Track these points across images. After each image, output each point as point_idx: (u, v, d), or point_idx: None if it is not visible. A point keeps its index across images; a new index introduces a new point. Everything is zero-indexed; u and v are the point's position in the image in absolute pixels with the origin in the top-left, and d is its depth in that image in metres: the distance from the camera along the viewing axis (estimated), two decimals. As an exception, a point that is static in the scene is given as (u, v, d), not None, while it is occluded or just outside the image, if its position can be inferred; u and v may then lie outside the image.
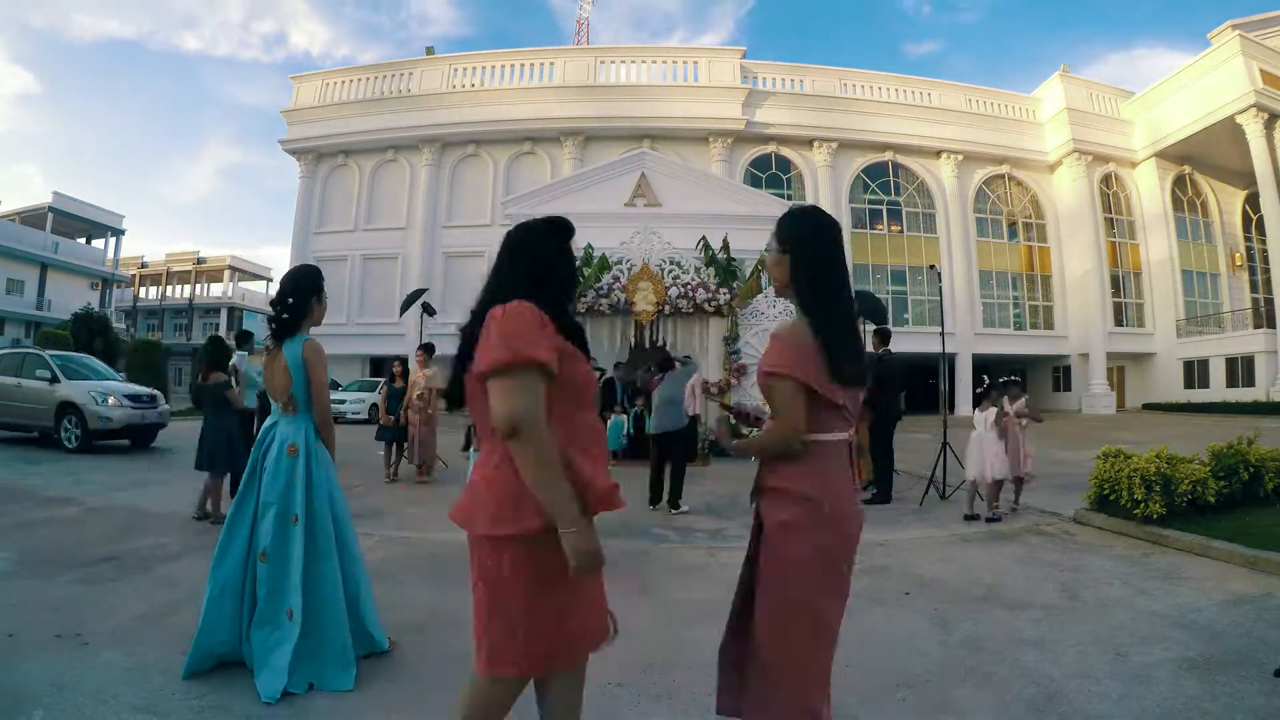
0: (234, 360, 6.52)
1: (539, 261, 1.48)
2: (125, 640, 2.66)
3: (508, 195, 17.08)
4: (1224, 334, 24.86)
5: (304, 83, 27.28)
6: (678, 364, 6.75)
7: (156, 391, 10.84)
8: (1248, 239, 27.78)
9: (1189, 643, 2.72)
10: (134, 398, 9.93)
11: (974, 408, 6.10)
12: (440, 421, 8.12)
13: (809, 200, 25.55)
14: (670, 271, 10.73)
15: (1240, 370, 23.16)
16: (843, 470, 1.57)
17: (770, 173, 25.96)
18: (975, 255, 26.22)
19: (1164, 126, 25.78)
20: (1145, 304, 26.94)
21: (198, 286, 44.16)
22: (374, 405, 17.93)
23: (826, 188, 25.44)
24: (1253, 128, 22.62)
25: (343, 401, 17.64)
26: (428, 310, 13.27)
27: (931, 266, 9.89)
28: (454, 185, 25.78)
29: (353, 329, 23.94)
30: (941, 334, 8.66)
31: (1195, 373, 24.98)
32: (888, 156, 26.43)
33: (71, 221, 32.14)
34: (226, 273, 43.98)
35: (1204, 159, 26.22)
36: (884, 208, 26.64)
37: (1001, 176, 27.39)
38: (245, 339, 7.08)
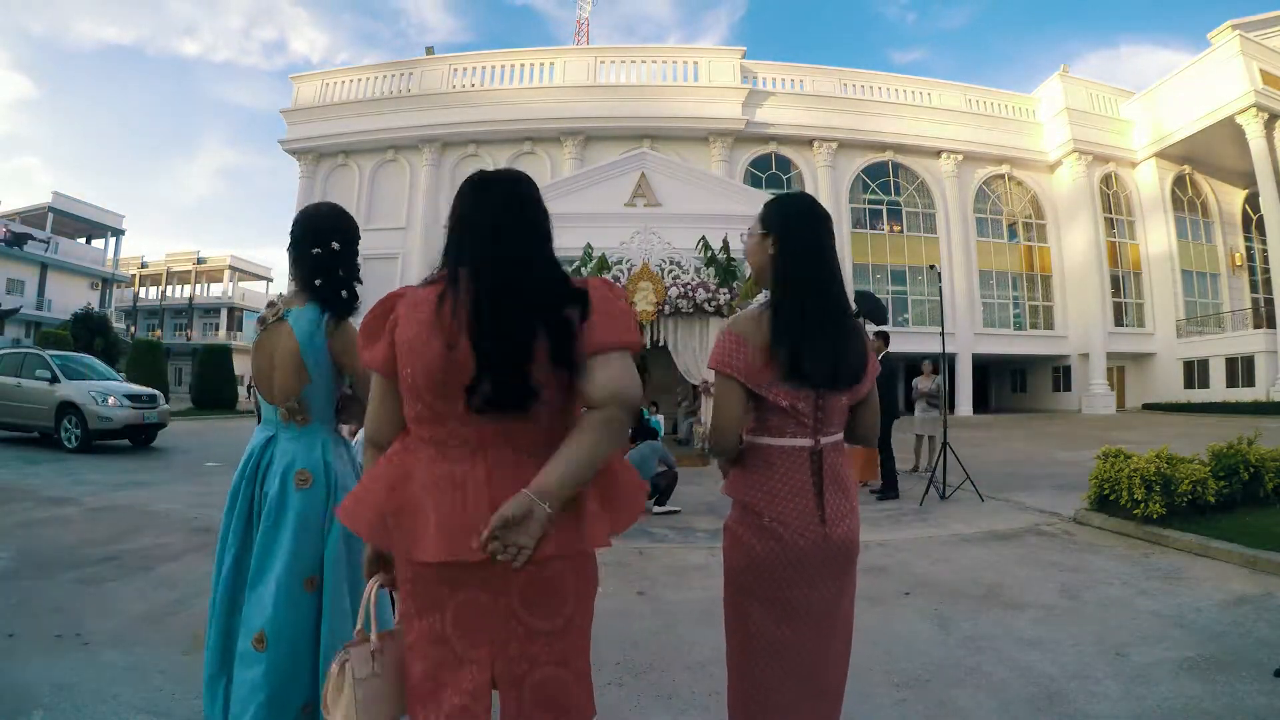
0: None
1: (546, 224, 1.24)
2: (125, 640, 2.66)
3: (508, 195, 17.02)
4: (1224, 334, 24.87)
5: (304, 83, 27.28)
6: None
7: (156, 391, 10.84)
8: (1248, 239, 27.78)
9: (1189, 643, 2.72)
10: (134, 398, 9.94)
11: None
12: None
13: (809, 200, 25.53)
14: (670, 271, 10.73)
15: (1240, 370, 23.16)
16: (794, 480, 1.38)
17: (770, 173, 25.97)
18: (975, 255, 26.22)
19: (1164, 126, 25.79)
20: (1145, 304, 26.94)
21: (198, 286, 44.19)
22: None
23: (826, 188, 25.41)
24: (1253, 127, 22.62)
25: None
26: (428, 310, 13.24)
27: (931, 266, 9.89)
28: (454, 185, 25.33)
29: (353, 329, 24.01)
30: (941, 334, 8.66)
31: (1195, 373, 24.98)
32: (888, 156, 26.43)
33: (71, 221, 32.15)
34: (226, 273, 43.99)
35: (1204, 159, 26.23)
36: (884, 208, 26.65)
37: (1001, 176, 27.40)
38: None
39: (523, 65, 26.45)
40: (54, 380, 9.62)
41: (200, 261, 44.66)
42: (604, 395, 1.09)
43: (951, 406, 23.64)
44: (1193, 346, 25.47)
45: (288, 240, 1.76)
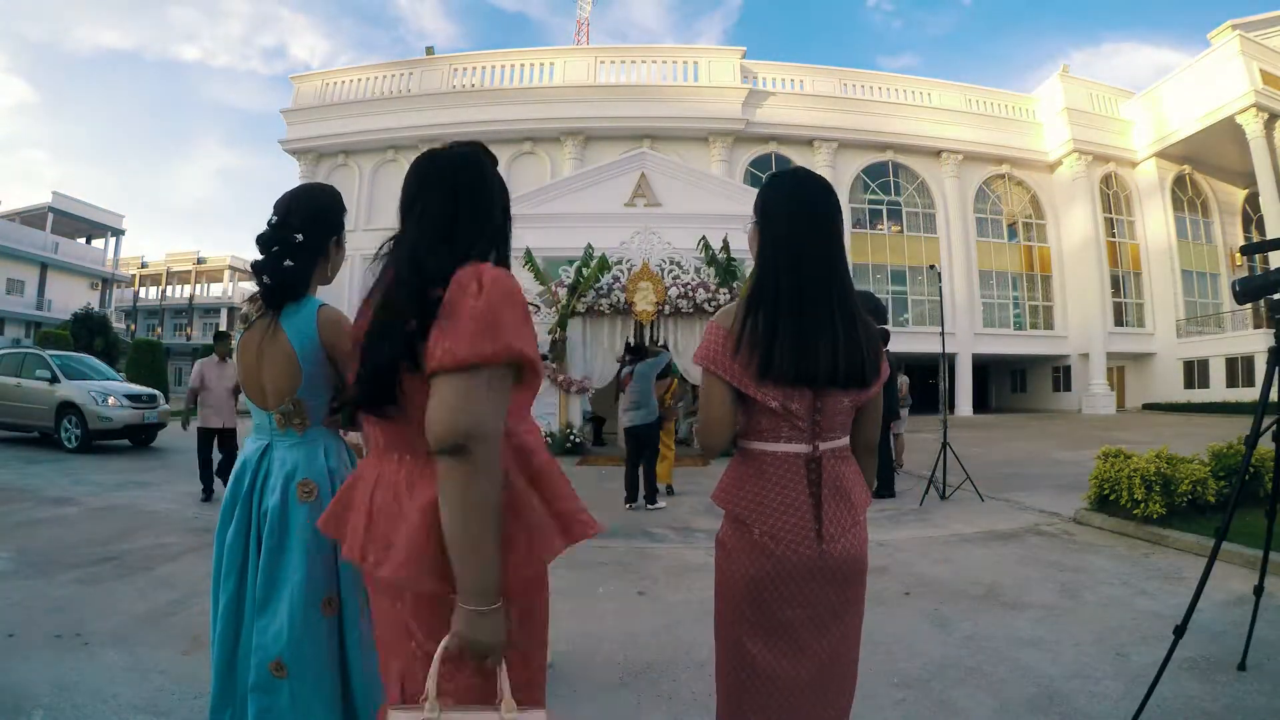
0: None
1: (490, 204, 1.11)
2: (125, 640, 2.66)
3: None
4: (1224, 334, 24.87)
5: (304, 83, 27.28)
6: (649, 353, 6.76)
7: (156, 391, 10.84)
8: (1248, 239, 27.78)
9: (1189, 643, 2.71)
10: (134, 398, 9.94)
11: None
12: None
13: (809, 200, 25.52)
14: (670, 271, 10.74)
15: (1240, 370, 23.17)
16: (788, 490, 1.23)
17: (770, 173, 25.91)
18: (975, 255, 26.22)
19: (1164, 126, 25.79)
20: (1145, 304, 26.95)
21: (198, 286, 44.20)
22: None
23: (826, 188, 25.41)
24: (1253, 127, 22.63)
25: None
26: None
27: (931, 266, 9.90)
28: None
29: (353, 329, 24.00)
30: (941, 334, 8.65)
31: (1195, 373, 24.98)
32: (888, 156, 26.43)
33: (71, 221, 32.16)
34: (226, 273, 43.99)
35: (1204, 159, 26.23)
36: (884, 208, 26.65)
37: (1001, 176, 27.39)
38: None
39: (523, 65, 26.45)
40: (54, 380, 9.62)
41: (200, 261, 44.69)
42: (433, 440, 0.90)
43: (951, 406, 23.65)
44: (1193, 346, 25.47)
45: (277, 223, 1.52)
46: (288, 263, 1.48)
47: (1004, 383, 32.32)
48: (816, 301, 1.23)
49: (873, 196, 26.62)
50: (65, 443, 9.27)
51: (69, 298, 29.80)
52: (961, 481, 6.43)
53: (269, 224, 1.52)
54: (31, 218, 31.14)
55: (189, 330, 42.20)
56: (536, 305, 10.64)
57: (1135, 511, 4.70)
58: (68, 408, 9.35)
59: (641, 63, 26.30)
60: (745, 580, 1.24)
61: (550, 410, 10.43)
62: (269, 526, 1.44)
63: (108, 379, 10.65)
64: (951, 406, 23.36)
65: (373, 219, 25.88)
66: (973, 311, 25.65)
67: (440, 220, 1.05)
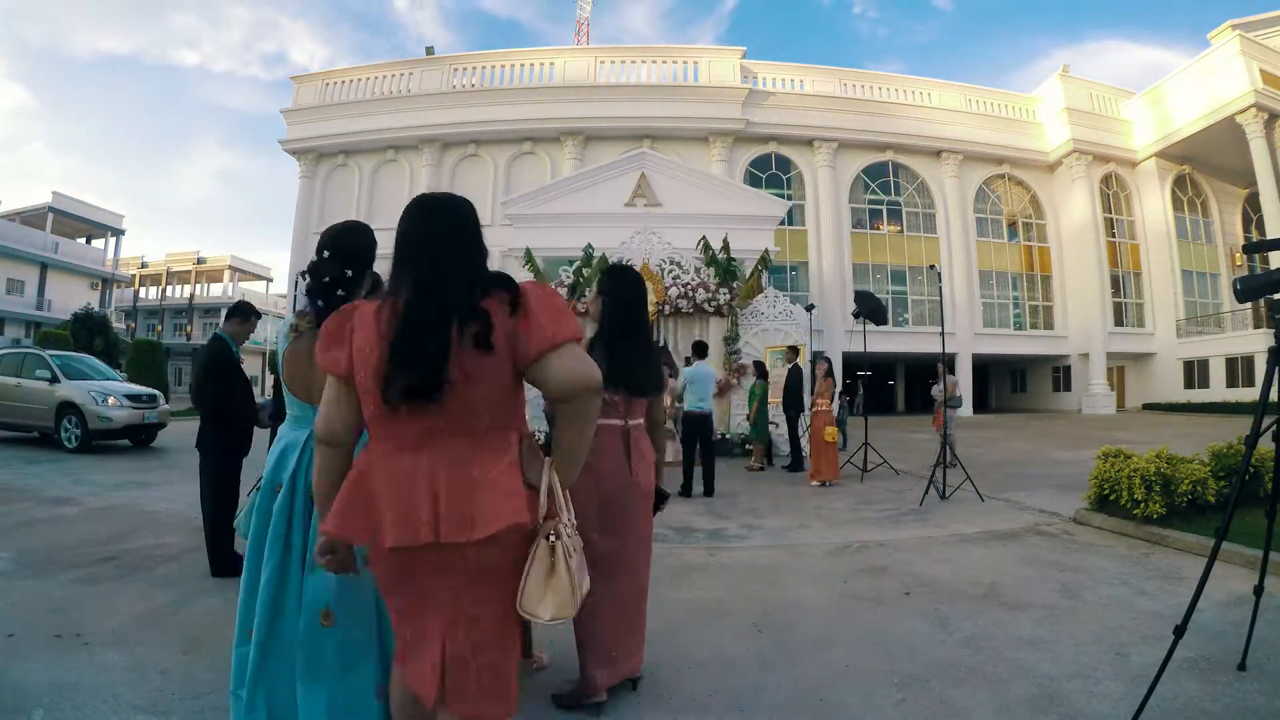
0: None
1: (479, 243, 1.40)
2: (125, 640, 2.66)
3: (508, 195, 17.10)
4: (1224, 334, 24.88)
5: (304, 83, 27.28)
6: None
7: (156, 391, 10.84)
8: (1248, 239, 27.78)
9: (1189, 643, 2.71)
10: (134, 398, 9.94)
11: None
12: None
13: (809, 200, 25.59)
14: (670, 271, 10.73)
15: (1240, 370, 23.18)
16: (610, 445, 2.21)
17: (770, 173, 25.97)
18: (975, 255, 26.22)
19: (1164, 126, 25.80)
20: (1145, 304, 26.95)
21: (198, 286, 44.20)
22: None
23: (826, 188, 25.43)
24: (1253, 127, 22.64)
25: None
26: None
27: (931, 266, 9.91)
28: (454, 185, 25.76)
29: (353, 329, 23.97)
30: (941, 334, 8.66)
31: (1195, 373, 24.99)
32: (888, 156, 26.44)
33: (71, 221, 32.16)
34: (226, 273, 44.01)
35: (1204, 159, 26.24)
36: (884, 208, 26.66)
37: (1001, 176, 27.40)
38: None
39: (523, 65, 26.45)
40: (54, 380, 9.62)
41: (200, 261, 44.68)
42: (568, 386, 1.23)
43: (951, 406, 23.65)
44: (1193, 346, 25.48)
45: (330, 258, 1.78)
46: (340, 293, 1.75)
47: (1004, 383, 32.32)
48: (629, 342, 2.31)
49: (873, 196, 26.62)
50: (65, 443, 9.26)
51: (69, 298, 29.79)
52: (961, 482, 6.43)
53: (322, 257, 1.78)
54: (31, 218, 31.14)
55: (189, 330, 42.20)
56: None
57: (1135, 511, 4.69)
58: (68, 408, 9.34)
59: (641, 63, 26.30)
60: (587, 496, 2.07)
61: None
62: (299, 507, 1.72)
63: (108, 379, 10.64)
64: (951, 406, 23.34)
65: (372, 219, 25.74)
66: (973, 311, 25.66)
67: (471, 253, 1.35)
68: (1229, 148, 24.14)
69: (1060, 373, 27.85)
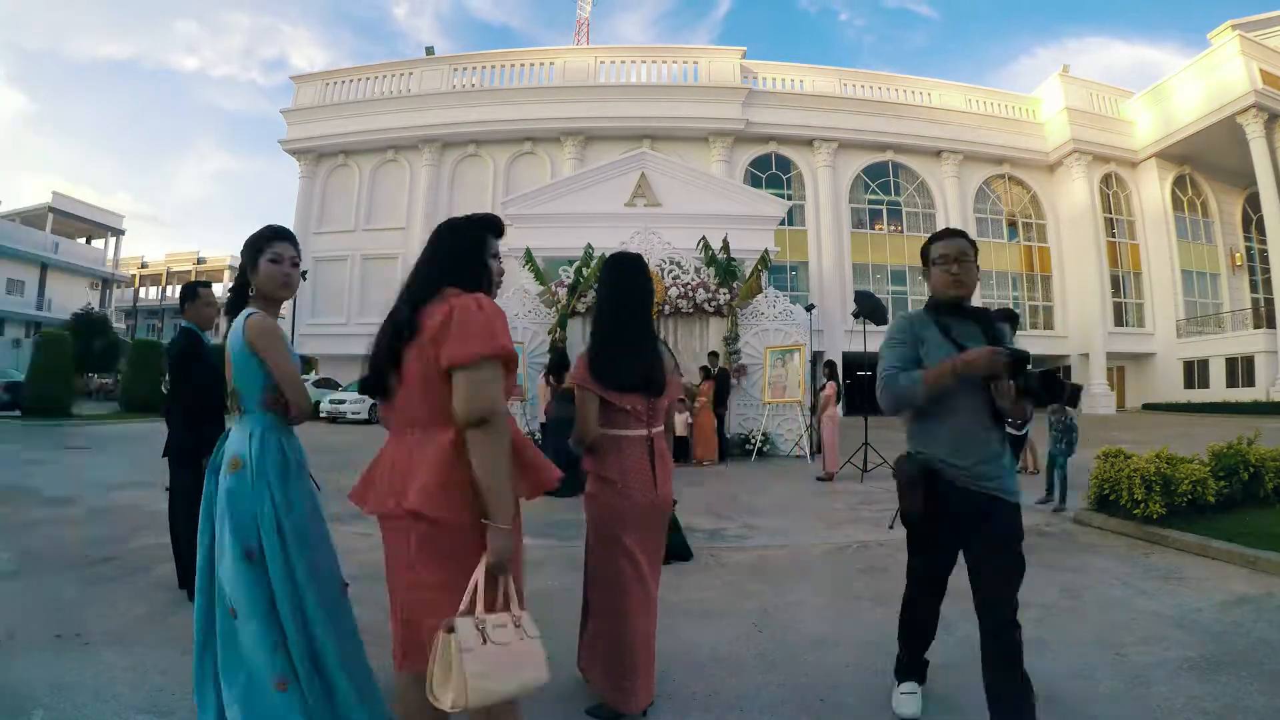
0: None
1: (470, 254, 1.52)
2: (125, 640, 2.66)
3: (508, 195, 17.09)
4: (1224, 334, 24.87)
5: (304, 83, 27.29)
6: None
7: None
8: (1248, 239, 27.78)
9: (1189, 643, 2.72)
10: None
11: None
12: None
13: (809, 200, 25.58)
14: (670, 271, 10.73)
15: (1240, 370, 23.17)
16: (638, 465, 2.10)
17: (770, 173, 25.97)
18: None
19: (1164, 126, 25.80)
20: (1145, 304, 26.94)
21: (197, 286, 44.17)
22: (374, 406, 17.93)
23: (826, 188, 25.43)
24: (1253, 128, 22.63)
25: (343, 402, 17.71)
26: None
27: (931, 266, 9.87)
28: (454, 185, 25.78)
29: (353, 329, 23.93)
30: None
31: (1195, 373, 24.98)
32: (888, 156, 26.44)
33: (71, 221, 32.16)
34: (227, 272, 43.97)
35: (1204, 159, 26.24)
36: (884, 208, 26.66)
37: (1001, 176, 27.40)
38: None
39: (522, 65, 26.46)
40: None
41: (200, 261, 44.67)
42: (459, 412, 1.33)
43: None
44: (1193, 346, 25.47)
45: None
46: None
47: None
48: (623, 339, 2.15)
49: (873, 196, 26.62)
50: None
51: (69, 298, 29.80)
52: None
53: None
54: (31, 218, 31.14)
55: (189, 330, 42.15)
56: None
57: (1135, 511, 4.69)
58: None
59: (641, 62, 26.31)
60: (608, 512, 2.11)
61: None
62: (217, 497, 1.80)
63: None
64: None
65: (372, 219, 25.88)
66: (972, 311, 25.62)
67: (435, 267, 1.52)
68: (1229, 148, 24.14)
69: (1060, 373, 27.79)
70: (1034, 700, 1.71)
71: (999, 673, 1.76)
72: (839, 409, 8.28)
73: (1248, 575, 3.68)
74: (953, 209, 26.09)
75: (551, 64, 26.27)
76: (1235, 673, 2.40)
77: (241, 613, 1.68)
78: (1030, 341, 27.08)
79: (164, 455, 3.47)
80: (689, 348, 10.58)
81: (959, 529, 1.90)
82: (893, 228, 26.55)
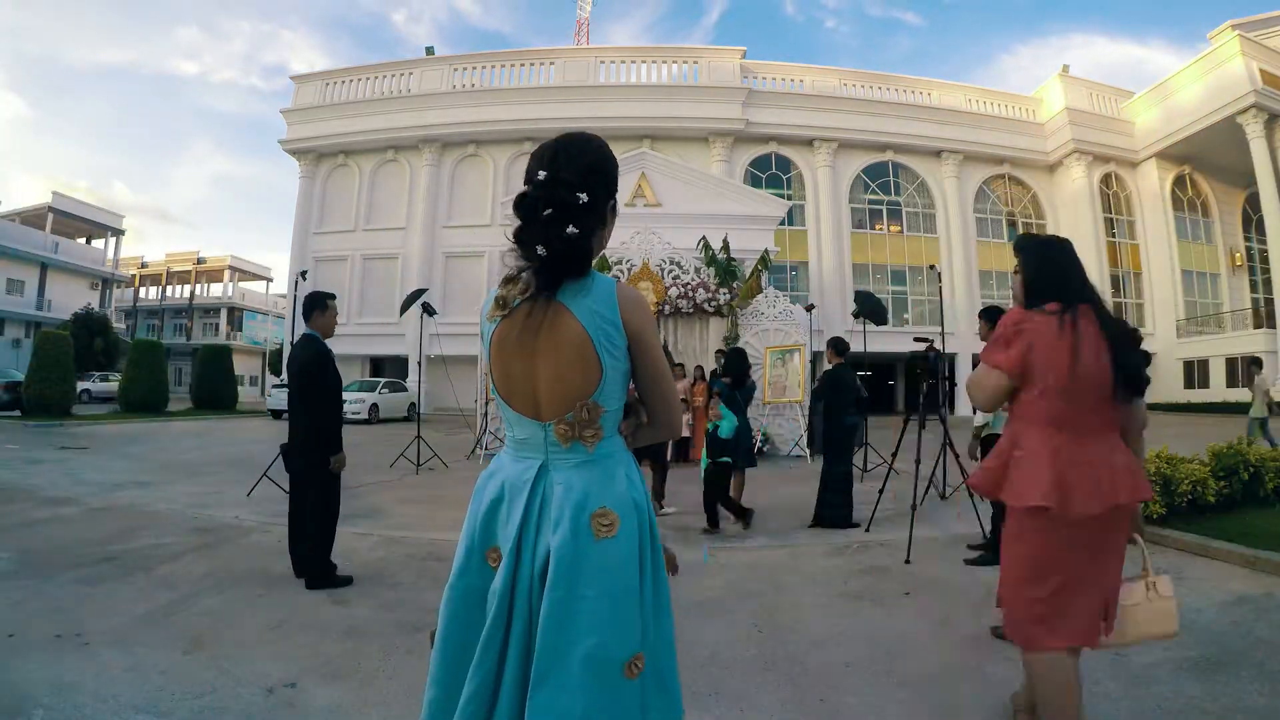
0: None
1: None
2: (125, 640, 2.66)
3: (508, 195, 17.09)
4: (1224, 334, 24.86)
5: (304, 83, 27.28)
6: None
7: None
8: (1248, 239, 27.77)
9: (1189, 643, 2.71)
10: None
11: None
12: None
13: (809, 200, 25.57)
14: (670, 271, 10.74)
15: (1240, 370, 23.15)
16: None
17: (770, 173, 25.97)
18: (975, 255, 26.22)
19: (1164, 126, 25.79)
20: (1145, 304, 26.94)
21: (198, 286, 44.21)
22: (374, 405, 17.92)
23: (826, 188, 25.43)
24: (1253, 128, 22.62)
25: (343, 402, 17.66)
26: (428, 310, 13.25)
27: (931, 266, 9.92)
28: (454, 185, 25.77)
29: (353, 329, 23.92)
30: (942, 334, 8.66)
31: (1195, 373, 24.97)
32: (888, 156, 26.44)
33: (71, 221, 32.16)
34: (226, 272, 44.00)
35: (1204, 159, 26.23)
36: (884, 208, 26.66)
37: (1001, 176, 27.40)
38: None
39: (522, 65, 26.45)
40: None
41: (200, 261, 44.68)
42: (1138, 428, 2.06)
43: (952, 407, 23.62)
44: (1193, 346, 25.46)
45: (548, 179, 1.14)
46: (571, 229, 1.11)
47: (1004, 383, 32.28)
48: None
49: (873, 196, 26.62)
50: None
51: (69, 298, 29.78)
52: (961, 482, 6.42)
53: (536, 182, 1.14)
54: (31, 218, 31.14)
55: (189, 329, 42.21)
56: None
57: (1135, 511, 4.69)
58: None
59: (641, 63, 26.30)
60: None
61: None
62: (556, 572, 1.07)
63: None
64: (952, 406, 23.31)
65: (372, 219, 25.87)
66: (972, 311, 25.59)
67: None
68: (1229, 148, 24.12)
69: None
70: None
71: None
72: None
73: (1248, 575, 3.68)
74: (953, 209, 26.10)
75: (551, 64, 26.27)
76: (1235, 673, 2.40)
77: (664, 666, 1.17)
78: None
79: (285, 454, 3.75)
80: (689, 348, 10.58)
81: None
82: (893, 228, 26.54)
